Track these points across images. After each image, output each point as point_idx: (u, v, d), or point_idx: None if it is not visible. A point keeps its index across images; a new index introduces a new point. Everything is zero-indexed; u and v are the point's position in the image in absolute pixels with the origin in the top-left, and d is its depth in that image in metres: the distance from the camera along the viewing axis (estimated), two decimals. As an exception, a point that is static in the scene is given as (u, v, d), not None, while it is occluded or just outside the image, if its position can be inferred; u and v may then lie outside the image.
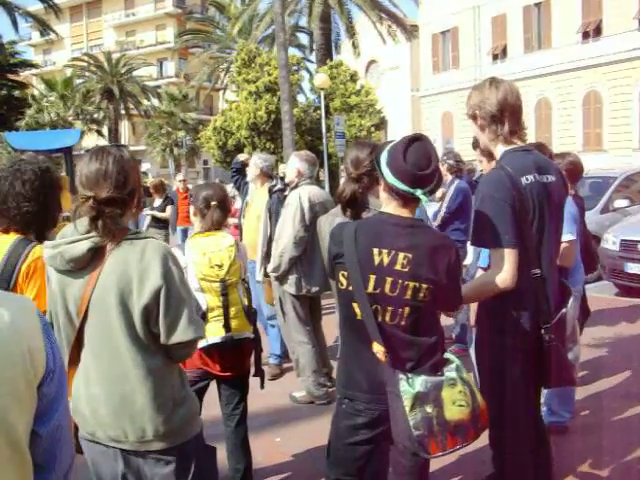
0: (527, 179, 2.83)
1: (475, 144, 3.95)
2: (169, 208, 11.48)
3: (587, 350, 5.98)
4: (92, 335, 2.34)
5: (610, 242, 9.61)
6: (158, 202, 11.53)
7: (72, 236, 2.31)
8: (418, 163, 2.46)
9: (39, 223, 2.83)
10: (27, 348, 1.39)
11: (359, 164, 3.45)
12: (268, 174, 6.38)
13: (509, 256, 2.76)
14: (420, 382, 2.42)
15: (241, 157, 7.91)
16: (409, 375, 2.44)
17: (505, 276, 2.76)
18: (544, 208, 2.87)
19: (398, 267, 2.47)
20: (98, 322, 2.32)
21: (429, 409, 2.41)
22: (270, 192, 5.90)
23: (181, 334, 2.32)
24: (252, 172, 6.50)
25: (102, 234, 2.28)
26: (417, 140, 2.52)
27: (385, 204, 2.62)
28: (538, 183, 2.86)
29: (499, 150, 2.97)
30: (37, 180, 2.77)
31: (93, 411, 2.36)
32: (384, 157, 2.54)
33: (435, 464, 3.46)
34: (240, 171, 7.43)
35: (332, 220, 3.74)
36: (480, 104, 2.92)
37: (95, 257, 2.30)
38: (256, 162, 6.44)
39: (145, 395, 2.33)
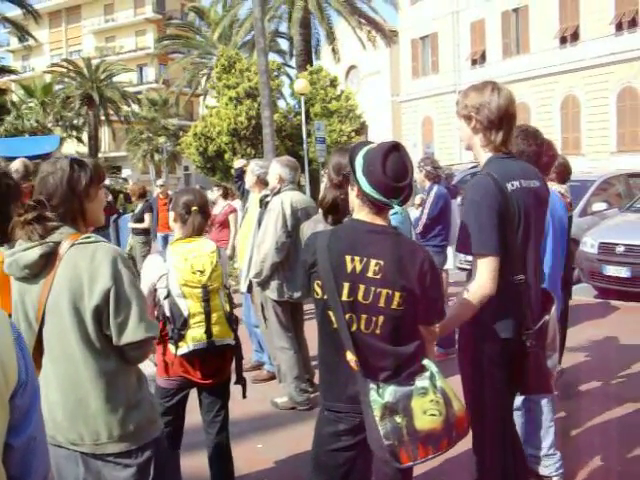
0: (513, 185, 2.82)
1: None
2: (147, 216, 11.37)
3: (566, 352, 6.02)
4: (49, 340, 2.40)
5: (589, 245, 9.71)
6: (138, 208, 11.49)
7: (22, 245, 2.38)
8: (396, 175, 2.47)
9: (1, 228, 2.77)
10: None
11: (341, 170, 3.45)
12: (265, 181, 6.08)
13: (490, 263, 2.75)
14: (390, 392, 2.42)
15: (239, 163, 7.81)
16: (380, 385, 2.44)
17: (485, 282, 2.74)
18: (530, 214, 2.87)
19: (370, 274, 2.47)
20: (54, 327, 2.38)
21: (398, 419, 2.40)
22: (261, 202, 5.76)
23: (131, 334, 2.37)
24: (249, 179, 6.33)
25: (38, 243, 2.34)
26: (395, 150, 2.51)
27: (357, 210, 2.62)
28: (524, 189, 2.86)
29: (485, 156, 2.95)
30: None
31: (52, 416, 2.39)
32: (359, 164, 2.53)
33: (419, 470, 3.47)
34: (242, 177, 7.33)
35: (314, 226, 3.75)
36: (479, 107, 2.85)
37: (49, 263, 2.37)
38: (252, 169, 6.28)
39: (98, 398, 2.38)
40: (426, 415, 2.43)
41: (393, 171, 2.46)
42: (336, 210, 3.44)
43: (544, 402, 3.88)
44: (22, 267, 2.36)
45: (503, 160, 2.91)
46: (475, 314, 2.83)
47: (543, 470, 3.85)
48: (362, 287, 2.48)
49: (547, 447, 3.84)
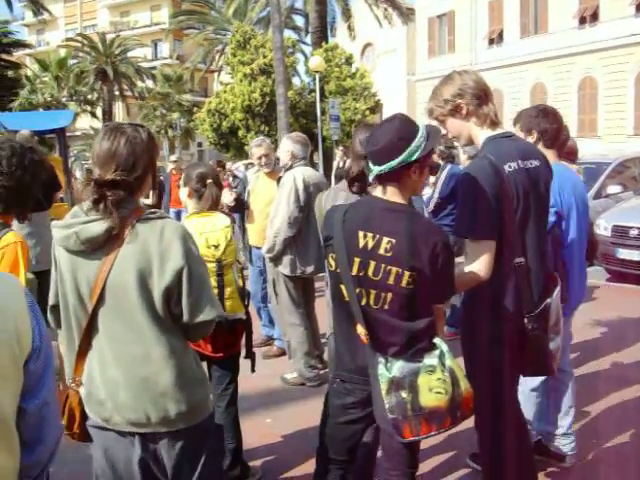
0: (510, 167, 2.79)
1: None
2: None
3: (580, 335, 6.00)
4: (108, 318, 2.30)
5: (602, 228, 9.65)
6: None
7: (81, 217, 2.25)
8: (374, 140, 2.49)
9: (19, 203, 2.71)
10: (14, 327, 1.41)
11: None
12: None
13: (485, 247, 2.72)
14: (397, 367, 2.43)
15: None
16: (388, 359, 2.45)
17: (480, 267, 2.72)
18: (529, 195, 2.83)
19: (381, 251, 2.46)
20: (116, 304, 2.27)
21: (404, 394, 2.41)
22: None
23: (205, 313, 2.32)
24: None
25: (102, 216, 2.22)
26: (388, 120, 2.55)
27: (373, 187, 2.66)
28: (522, 170, 2.83)
29: (483, 136, 2.92)
30: (14, 156, 2.64)
31: (111, 395, 2.32)
32: None
33: (426, 443, 3.48)
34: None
35: (335, 195, 3.74)
36: (460, 92, 2.89)
37: (111, 238, 2.24)
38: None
39: (169, 375, 2.31)
40: (432, 393, 2.43)
41: (374, 137, 2.50)
42: (362, 178, 3.45)
43: (570, 384, 3.91)
44: (83, 241, 2.22)
45: (500, 141, 2.89)
46: (477, 298, 2.86)
47: (559, 449, 3.90)
48: (373, 263, 2.48)
49: (566, 427, 3.88)
